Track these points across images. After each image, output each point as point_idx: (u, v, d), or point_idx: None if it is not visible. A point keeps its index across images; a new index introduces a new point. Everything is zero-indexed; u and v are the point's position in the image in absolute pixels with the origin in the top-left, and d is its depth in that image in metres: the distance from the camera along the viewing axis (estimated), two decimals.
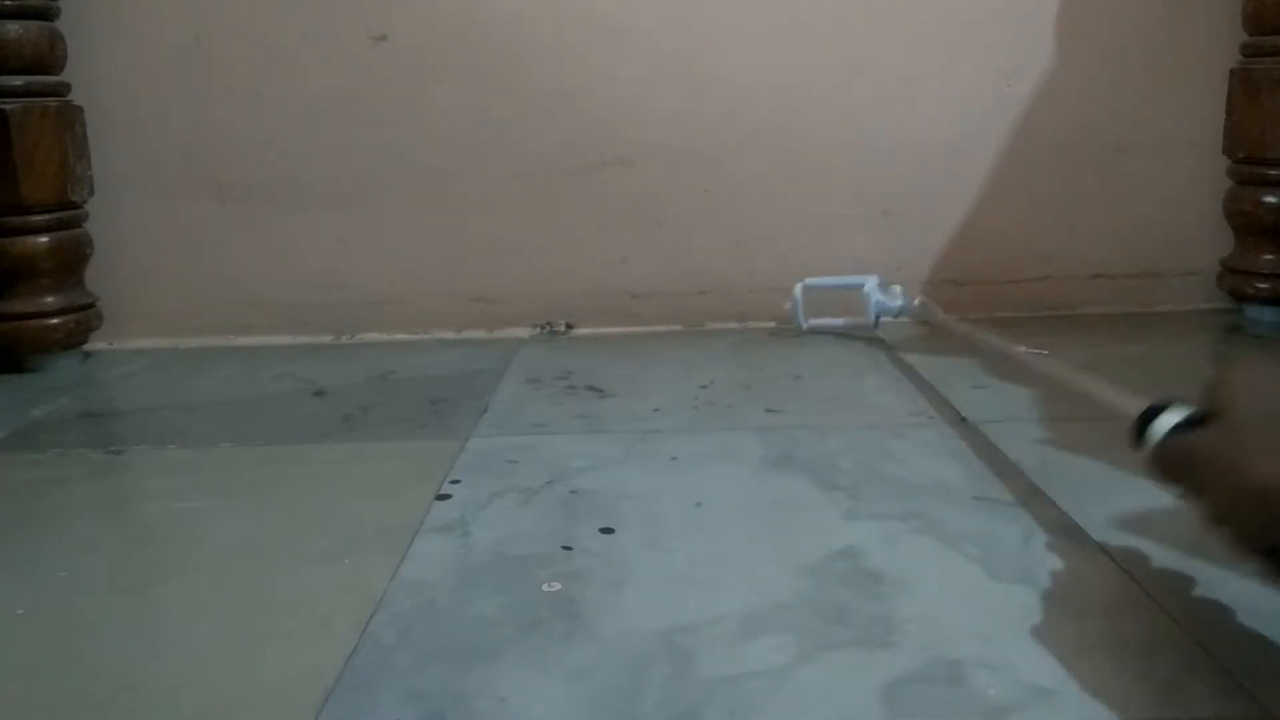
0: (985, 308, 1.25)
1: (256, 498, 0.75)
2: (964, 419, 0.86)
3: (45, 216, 1.09)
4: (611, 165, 1.21)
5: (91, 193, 1.15)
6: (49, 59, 1.08)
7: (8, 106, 1.05)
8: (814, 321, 1.17)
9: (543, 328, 1.24)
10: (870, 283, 1.15)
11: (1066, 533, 0.64)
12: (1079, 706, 0.46)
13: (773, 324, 1.23)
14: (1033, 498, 0.70)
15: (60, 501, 0.76)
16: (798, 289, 1.16)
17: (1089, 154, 1.22)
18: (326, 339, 1.23)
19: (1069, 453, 0.78)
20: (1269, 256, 1.15)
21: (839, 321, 1.17)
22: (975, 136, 1.21)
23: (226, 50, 1.17)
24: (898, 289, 1.15)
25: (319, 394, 1.01)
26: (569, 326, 1.24)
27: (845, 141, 1.21)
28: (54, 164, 1.08)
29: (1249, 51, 1.14)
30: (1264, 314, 1.16)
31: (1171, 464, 0.50)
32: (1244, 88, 1.13)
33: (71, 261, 1.12)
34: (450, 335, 1.23)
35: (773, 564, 0.61)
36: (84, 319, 1.13)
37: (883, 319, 1.16)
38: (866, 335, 1.15)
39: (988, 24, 1.19)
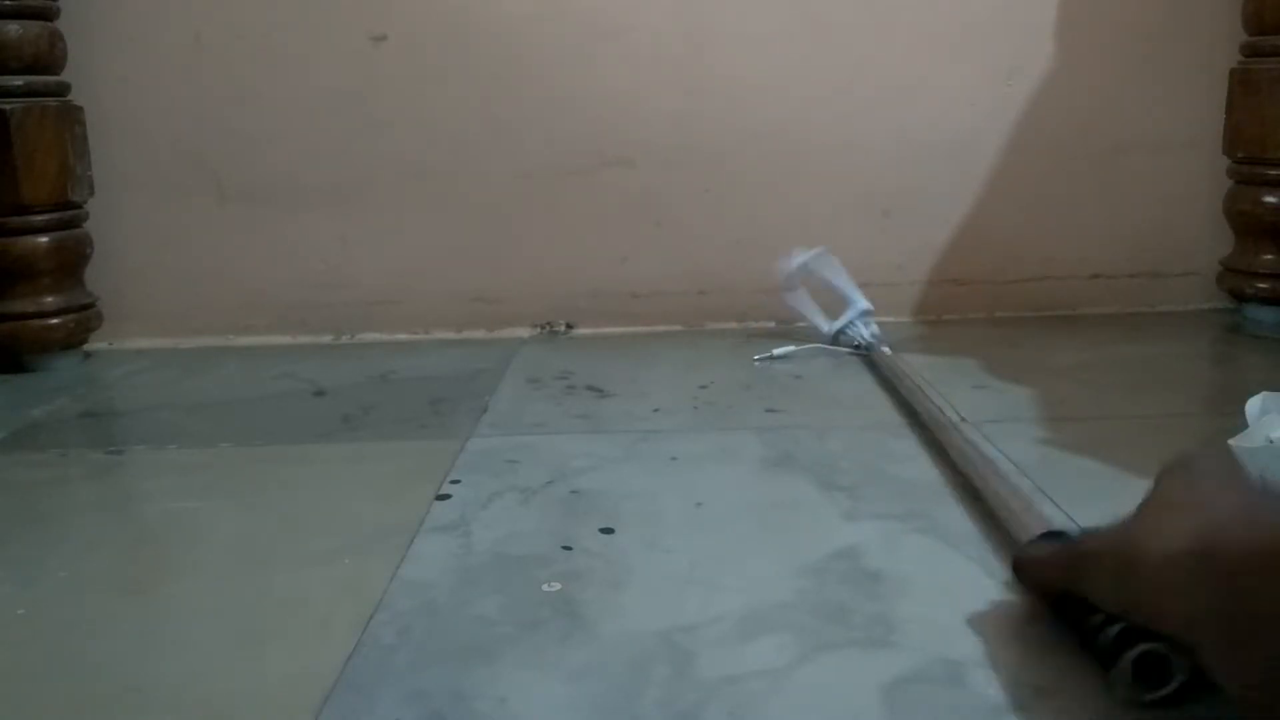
0: (985, 308, 1.25)
1: (256, 498, 0.75)
2: (963, 419, 0.86)
3: (45, 216, 1.09)
4: (611, 165, 1.21)
5: (91, 193, 1.15)
6: (49, 59, 1.08)
7: (8, 106, 1.05)
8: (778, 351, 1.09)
9: (543, 328, 1.24)
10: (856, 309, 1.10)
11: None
12: (1079, 706, 0.46)
13: (773, 324, 1.23)
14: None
15: (60, 501, 0.76)
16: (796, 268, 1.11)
17: (1089, 154, 1.22)
18: (326, 339, 1.23)
19: (1069, 453, 0.78)
20: (1269, 256, 1.15)
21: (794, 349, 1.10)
22: (975, 136, 1.21)
23: (226, 50, 1.17)
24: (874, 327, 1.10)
25: (319, 394, 1.01)
26: (569, 326, 1.24)
27: (845, 141, 1.21)
28: (54, 164, 1.08)
29: (1249, 51, 1.13)
30: (1264, 314, 1.16)
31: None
32: (1244, 88, 1.13)
33: (71, 261, 1.12)
34: (450, 335, 1.23)
35: (773, 564, 0.61)
36: (84, 319, 1.13)
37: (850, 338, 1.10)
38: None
39: (988, 24, 1.19)
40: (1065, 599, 0.50)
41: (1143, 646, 0.44)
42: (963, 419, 0.86)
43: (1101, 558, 0.47)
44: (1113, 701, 0.46)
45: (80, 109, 1.13)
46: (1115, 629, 0.46)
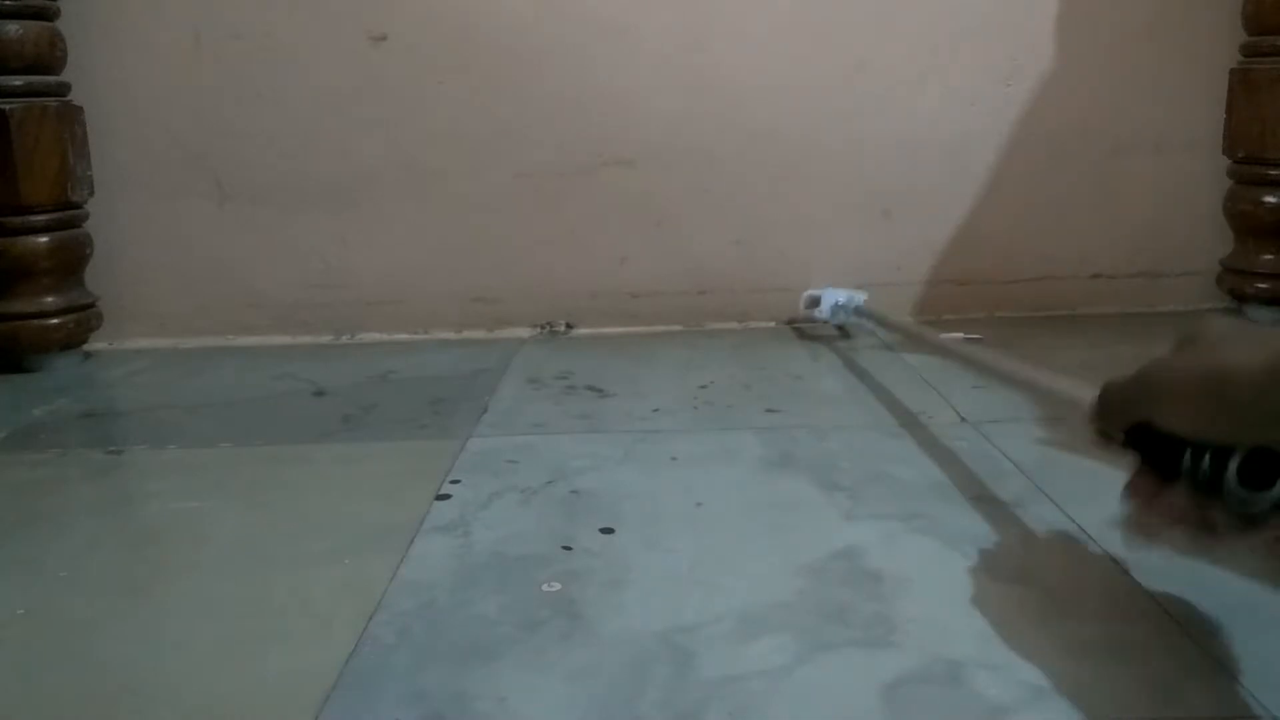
0: (985, 308, 1.25)
1: (256, 498, 0.75)
2: (963, 419, 0.86)
3: (45, 216, 1.09)
4: (611, 165, 1.21)
5: (91, 193, 1.15)
6: (49, 59, 1.08)
7: (8, 106, 1.05)
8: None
9: (543, 328, 1.24)
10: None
11: (1066, 533, 0.64)
12: (1078, 707, 0.46)
13: (772, 324, 1.23)
14: (1033, 498, 0.70)
15: (60, 501, 0.76)
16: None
17: (1089, 154, 1.22)
18: (326, 339, 1.23)
19: (1069, 453, 0.78)
20: (1269, 256, 1.15)
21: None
22: (975, 136, 1.21)
23: (226, 50, 1.17)
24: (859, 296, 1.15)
25: (319, 394, 1.01)
26: (569, 326, 1.24)
27: (845, 141, 1.21)
28: (54, 164, 1.08)
29: (1249, 51, 1.14)
30: (1264, 314, 1.16)
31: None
32: (1244, 88, 1.13)
33: (71, 261, 1.12)
34: (450, 335, 1.23)
35: (773, 564, 0.61)
36: (84, 319, 1.13)
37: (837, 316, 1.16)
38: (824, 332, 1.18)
39: (988, 24, 1.19)
40: (1141, 436, 0.50)
41: (1244, 449, 0.44)
42: (962, 419, 0.86)
43: (1179, 385, 0.47)
44: (1230, 522, 0.45)
45: (80, 109, 1.13)
46: (1207, 453, 0.45)
